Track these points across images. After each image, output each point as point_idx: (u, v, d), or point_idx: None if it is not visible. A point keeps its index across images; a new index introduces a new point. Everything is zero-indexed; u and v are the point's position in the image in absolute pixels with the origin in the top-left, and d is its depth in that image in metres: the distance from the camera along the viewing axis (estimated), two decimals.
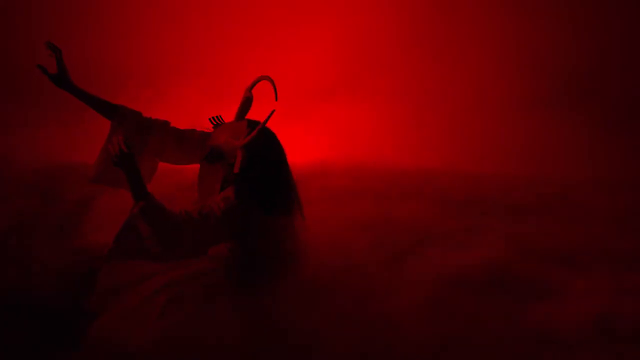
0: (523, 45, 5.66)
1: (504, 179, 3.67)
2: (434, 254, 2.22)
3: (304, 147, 3.79)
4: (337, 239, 2.15)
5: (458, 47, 5.78)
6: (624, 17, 5.50)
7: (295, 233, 1.79)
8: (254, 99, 1.77)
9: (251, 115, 1.81)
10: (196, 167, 1.89)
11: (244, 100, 1.78)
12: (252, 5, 5.87)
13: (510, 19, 5.63)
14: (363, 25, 5.65)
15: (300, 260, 1.81)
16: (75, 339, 1.57)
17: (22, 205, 2.57)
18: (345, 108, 4.98)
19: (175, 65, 5.42)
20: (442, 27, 5.86)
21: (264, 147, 1.73)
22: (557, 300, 1.94)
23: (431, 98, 5.40)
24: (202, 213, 1.64)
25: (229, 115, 1.81)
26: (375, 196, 3.06)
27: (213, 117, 1.81)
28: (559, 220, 2.80)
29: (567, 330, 1.76)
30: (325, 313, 1.72)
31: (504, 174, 3.78)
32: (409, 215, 2.71)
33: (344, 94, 5.26)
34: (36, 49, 1.77)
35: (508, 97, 5.26)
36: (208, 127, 1.82)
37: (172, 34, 5.66)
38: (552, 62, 5.57)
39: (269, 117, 1.64)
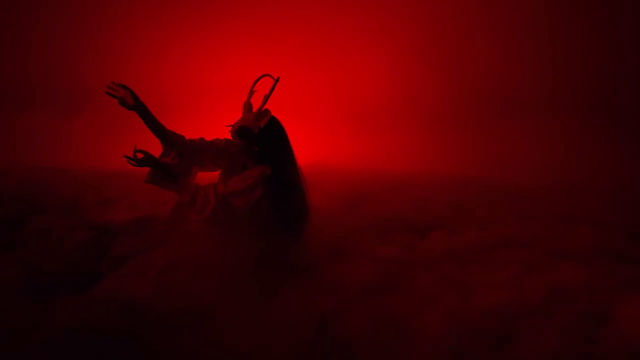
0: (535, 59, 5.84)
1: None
2: None
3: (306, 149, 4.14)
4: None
5: (460, 59, 5.99)
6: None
7: (304, 197, 2.18)
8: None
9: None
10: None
11: (249, 96, 2.17)
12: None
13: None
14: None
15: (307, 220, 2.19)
16: (86, 288, 1.90)
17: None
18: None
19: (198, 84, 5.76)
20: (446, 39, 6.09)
21: (274, 125, 2.11)
22: None
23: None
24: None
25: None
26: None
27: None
28: None
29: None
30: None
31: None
32: None
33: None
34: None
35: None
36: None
37: (194, 54, 6.00)
38: (554, 76, 5.75)
39: (273, 86, 2.07)
